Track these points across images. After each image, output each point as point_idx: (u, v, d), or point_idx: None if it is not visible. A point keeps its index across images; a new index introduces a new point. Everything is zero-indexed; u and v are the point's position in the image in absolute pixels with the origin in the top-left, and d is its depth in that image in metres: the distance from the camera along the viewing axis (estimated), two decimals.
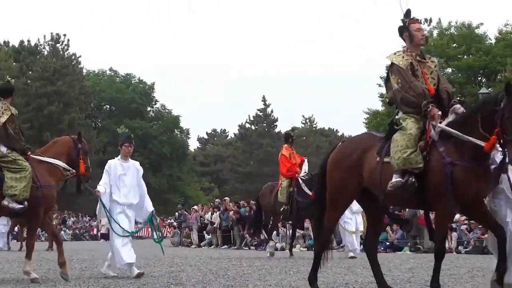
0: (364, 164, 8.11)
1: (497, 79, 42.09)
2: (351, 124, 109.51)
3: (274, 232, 21.44)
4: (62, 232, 42.71)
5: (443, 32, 48.40)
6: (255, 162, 76.42)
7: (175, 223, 42.69)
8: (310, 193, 17.93)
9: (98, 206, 12.27)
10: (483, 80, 46.35)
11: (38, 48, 70.66)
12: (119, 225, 11.82)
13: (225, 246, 30.88)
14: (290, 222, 21.82)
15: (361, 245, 17.91)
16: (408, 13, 8.20)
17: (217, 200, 39.79)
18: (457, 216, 23.01)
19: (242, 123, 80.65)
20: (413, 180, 7.57)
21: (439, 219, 7.70)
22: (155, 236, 12.84)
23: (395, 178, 7.66)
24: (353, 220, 19.00)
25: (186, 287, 9.76)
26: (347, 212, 16.83)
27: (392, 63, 8.08)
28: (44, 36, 70.49)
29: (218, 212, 32.20)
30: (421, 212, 18.32)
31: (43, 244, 27.30)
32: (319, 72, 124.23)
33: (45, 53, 70.02)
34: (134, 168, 12.33)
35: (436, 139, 7.60)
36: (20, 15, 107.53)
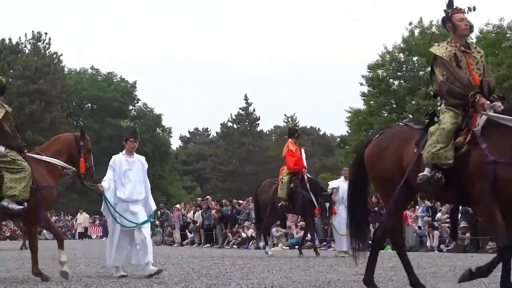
0: (404, 156, 7.94)
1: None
2: (333, 123, 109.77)
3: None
4: (44, 231, 42.48)
5: (425, 32, 48.60)
6: (237, 160, 76.56)
7: (157, 222, 42.62)
8: (311, 194, 18.27)
9: (103, 204, 11.77)
10: None
11: (19, 47, 70.34)
12: (125, 218, 11.42)
13: (208, 245, 30.90)
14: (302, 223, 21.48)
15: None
16: (450, 3, 8.01)
17: (199, 198, 39.80)
18: (439, 214, 23.18)
19: (224, 121, 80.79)
20: (440, 175, 7.41)
21: (484, 219, 7.51)
22: None
23: (425, 172, 7.51)
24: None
25: (169, 286, 9.73)
26: (343, 213, 16.81)
27: (436, 56, 7.88)
28: (26, 34, 70.26)
29: (200, 211, 32.21)
30: None
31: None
32: (301, 71, 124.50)
33: (26, 51, 69.73)
34: (139, 163, 11.99)
35: (478, 134, 7.36)
36: (1, 13, 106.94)
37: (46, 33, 69.49)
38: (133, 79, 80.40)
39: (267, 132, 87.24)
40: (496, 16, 66.81)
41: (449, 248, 21.36)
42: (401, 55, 48.91)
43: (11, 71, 66.48)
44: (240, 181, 73.31)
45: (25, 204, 10.23)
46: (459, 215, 20.88)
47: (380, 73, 48.81)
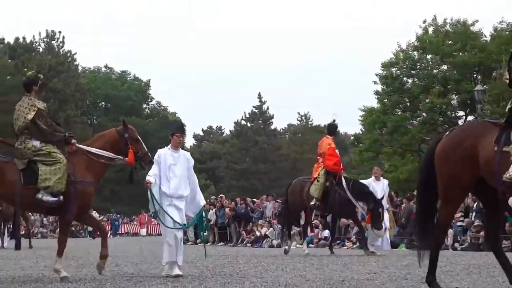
0: (479, 153, 7.51)
1: (492, 76, 42.12)
2: (347, 121, 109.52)
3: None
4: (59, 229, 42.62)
5: (439, 29, 48.39)
6: (251, 159, 76.56)
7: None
8: (348, 193, 17.54)
9: (149, 201, 11.44)
10: (479, 77, 46.35)
11: (34, 45, 70.75)
12: (170, 217, 11.15)
13: (222, 243, 30.93)
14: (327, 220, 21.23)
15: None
16: None
17: (213, 197, 39.79)
18: None
19: (237, 120, 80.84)
20: None
21: None
22: (201, 235, 12.04)
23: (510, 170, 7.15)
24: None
25: (183, 284, 9.75)
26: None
27: None
28: (40, 33, 70.67)
29: (214, 209, 32.20)
30: None
31: (39, 241, 27.23)
32: (315, 69, 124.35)
33: (41, 50, 70.09)
34: (184, 158, 11.59)
35: None
36: (15, 12, 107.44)
37: (60, 32, 70.01)
38: (147, 77, 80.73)
39: (281, 130, 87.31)
40: (510, 14, 66.62)
41: (463, 246, 21.26)
42: (415, 53, 48.69)
43: (25, 69, 66.73)
44: (254, 179, 73.34)
45: (61, 197, 10.13)
46: (473, 214, 20.84)
47: (394, 72, 48.61)
